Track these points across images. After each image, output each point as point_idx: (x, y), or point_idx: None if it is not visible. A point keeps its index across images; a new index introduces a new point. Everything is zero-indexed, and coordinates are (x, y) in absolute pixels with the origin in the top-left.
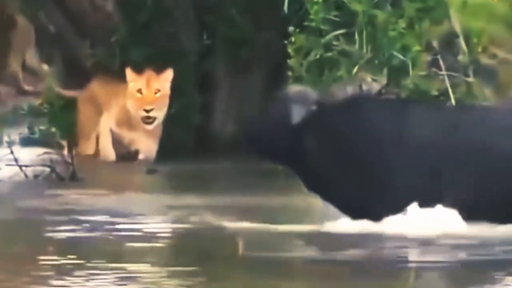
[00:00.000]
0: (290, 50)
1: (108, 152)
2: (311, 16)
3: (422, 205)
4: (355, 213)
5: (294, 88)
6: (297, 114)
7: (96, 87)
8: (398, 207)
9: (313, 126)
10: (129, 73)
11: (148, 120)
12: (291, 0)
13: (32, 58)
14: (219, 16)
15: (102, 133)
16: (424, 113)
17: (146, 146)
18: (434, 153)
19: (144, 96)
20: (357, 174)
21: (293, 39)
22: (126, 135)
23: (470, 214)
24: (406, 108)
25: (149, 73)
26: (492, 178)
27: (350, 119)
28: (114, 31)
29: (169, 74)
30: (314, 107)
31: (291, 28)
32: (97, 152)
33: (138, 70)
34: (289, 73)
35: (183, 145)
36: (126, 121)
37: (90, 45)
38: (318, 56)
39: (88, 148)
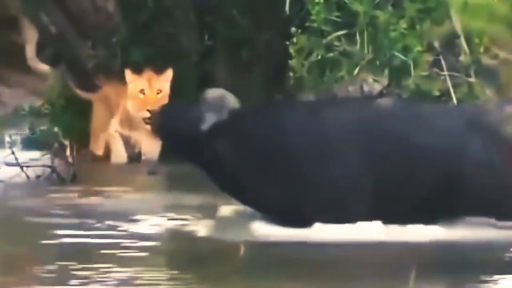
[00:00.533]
0: (291, 50)
1: (121, 154)
2: (313, 17)
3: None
4: (279, 218)
5: (212, 93)
6: (209, 120)
7: (109, 89)
8: (322, 210)
9: (225, 132)
10: (128, 74)
11: (150, 120)
12: (292, 1)
13: (33, 58)
14: (219, 16)
15: (113, 136)
16: (340, 114)
17: (149, 146)
18: (351, 152)
19: (147, 96)
20: (274, 177)
21: (294, 39)
22: (129, 136)
23: (389, 215)
24: (321, 109)
25: (149, 74)
26: (410, 176)
27: (264, 122)
28: (115, 31)
29: (169, 74)
30: (227, 114)
31: (292, 29)
32: (106, 154)
33: (138, 71)
34: (290, 74)
35: None
36: (127, 122)
37: (91, 45)
38: (319, 57)
39: (98, 149)
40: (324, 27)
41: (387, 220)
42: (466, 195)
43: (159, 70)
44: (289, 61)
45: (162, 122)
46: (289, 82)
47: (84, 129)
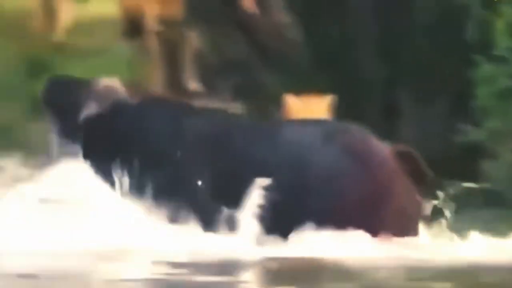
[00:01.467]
0: (475, 79)
1: None
2: (496, 45)
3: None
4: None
5: (103, 82)
6: (89, 110)
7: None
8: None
9: (96, 123)
10: (289, 99)
11: None
12: (475, 29)
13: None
14: (404, 44)
15: None
16: (197, 123)
17: None
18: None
19: None
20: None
21: (478, 68)
22: None
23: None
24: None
25: (309, 99)
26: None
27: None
28: (298, 59)
29: (329, 99)
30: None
31: (475, 57)
32: None
33: (299, 95)
34: (475, 102)
35: None
36: None
37: (274, 72)
38: (504, 85)
39: None
40: (508, 56)
41: None
42: (311, 206)
43: (320, 95)
44: (474, 90)
45: (48, 94)
46: (473, 111)
47: None
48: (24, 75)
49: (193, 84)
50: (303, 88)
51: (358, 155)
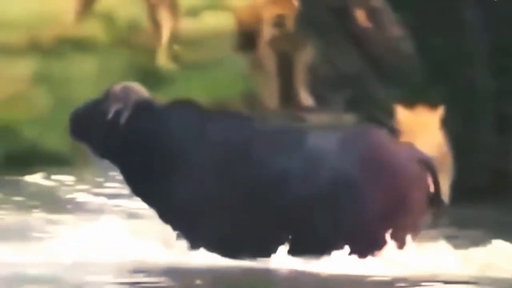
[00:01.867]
0: None
1: None
2: None
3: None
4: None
5: (116, 87)
6: (113, 111)
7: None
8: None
9: (124, 125)
10: (400, 110)
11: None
12: None
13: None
14: None
15: None
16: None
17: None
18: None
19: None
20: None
21: None
22: None
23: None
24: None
25: (422, 110)
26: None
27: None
28: (411, 72)
29: (441, 111)
30: (131, 106)
31: None
32: None
33: (411, 107)
34: None
35: (477, 187)
36: None
37: (387, 86)
38: None
39: None
40: None
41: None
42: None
43: (431, 107)
44: None
45: (73, 122)
46: None
47: None
48: None
49: (306, 98)
50: (415, 100)
51: (374, 163)
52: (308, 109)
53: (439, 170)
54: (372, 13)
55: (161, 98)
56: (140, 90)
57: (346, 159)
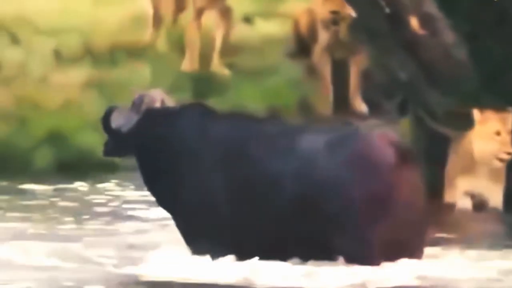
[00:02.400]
0: None
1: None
2: None
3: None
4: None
5: (136, 94)
6: (129, 121)
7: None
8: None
9: (137, 132)
10: (477, 115)
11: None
12: None
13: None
14: None
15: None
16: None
17: (492, 193)
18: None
19: (503, 137)
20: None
21: None
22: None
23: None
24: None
25: (503, 114)
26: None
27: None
28: (465, 79)
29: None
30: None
31: None
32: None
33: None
34: None
35: None
36: (468, 167)
37: (441, 92)
38: None
39: (452, 197)
40: None
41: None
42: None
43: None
44: None
45: (106, 124)
46: None
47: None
48: (191, 93)
49: (359, 104)
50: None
51: (361, 163)
52: (361, 116)
53: (493, 178)
54: (425, 20)
55: (215, 105)
56: (158, 96)
57: (335, 159)
